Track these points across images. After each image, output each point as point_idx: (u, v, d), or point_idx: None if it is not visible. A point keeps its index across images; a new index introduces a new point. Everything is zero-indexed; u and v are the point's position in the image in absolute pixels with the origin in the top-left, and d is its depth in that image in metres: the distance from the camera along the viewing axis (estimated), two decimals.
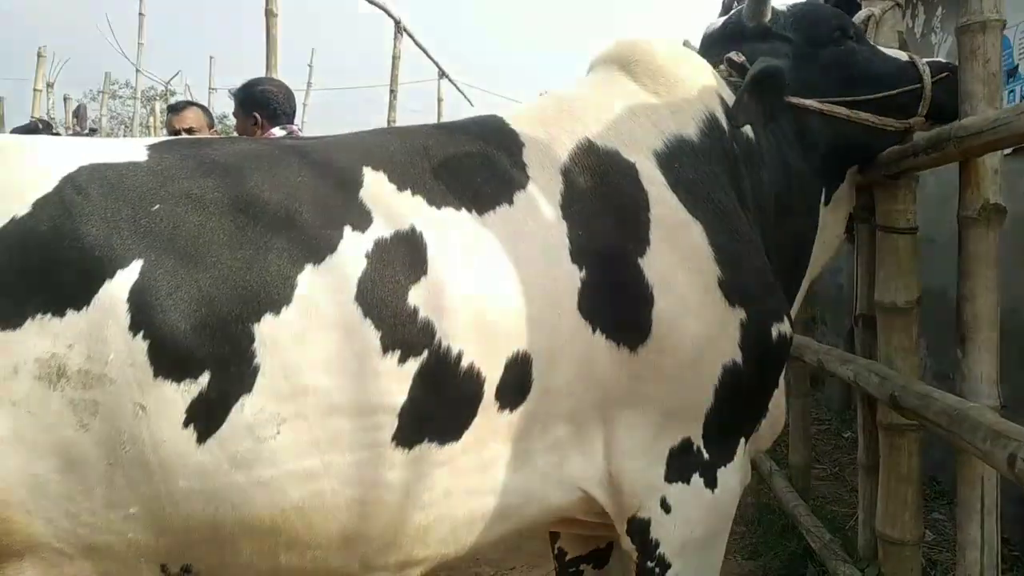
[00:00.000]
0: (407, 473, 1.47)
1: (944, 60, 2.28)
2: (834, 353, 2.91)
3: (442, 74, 15.35)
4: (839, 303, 6.26)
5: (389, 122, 10.62)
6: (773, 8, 2.06)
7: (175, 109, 3.99)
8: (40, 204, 1.35)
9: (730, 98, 1.94)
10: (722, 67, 2.04)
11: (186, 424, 1.34)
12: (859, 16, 2.53)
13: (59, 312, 1.30)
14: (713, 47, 2.16)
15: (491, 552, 3.72)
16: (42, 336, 1.29)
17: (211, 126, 4.34)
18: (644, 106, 1.85)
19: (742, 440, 1.80)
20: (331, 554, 1.48)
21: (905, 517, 2.40)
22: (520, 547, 3.75)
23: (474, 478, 1.55)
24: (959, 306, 1.96)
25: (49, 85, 12.75)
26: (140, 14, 16.67)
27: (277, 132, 3.51)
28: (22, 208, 1.34)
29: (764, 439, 2.00)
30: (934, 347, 4.36)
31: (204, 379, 1.34)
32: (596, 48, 2.09)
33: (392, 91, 11.39)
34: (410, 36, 11.42)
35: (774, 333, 1.76)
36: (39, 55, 9.19)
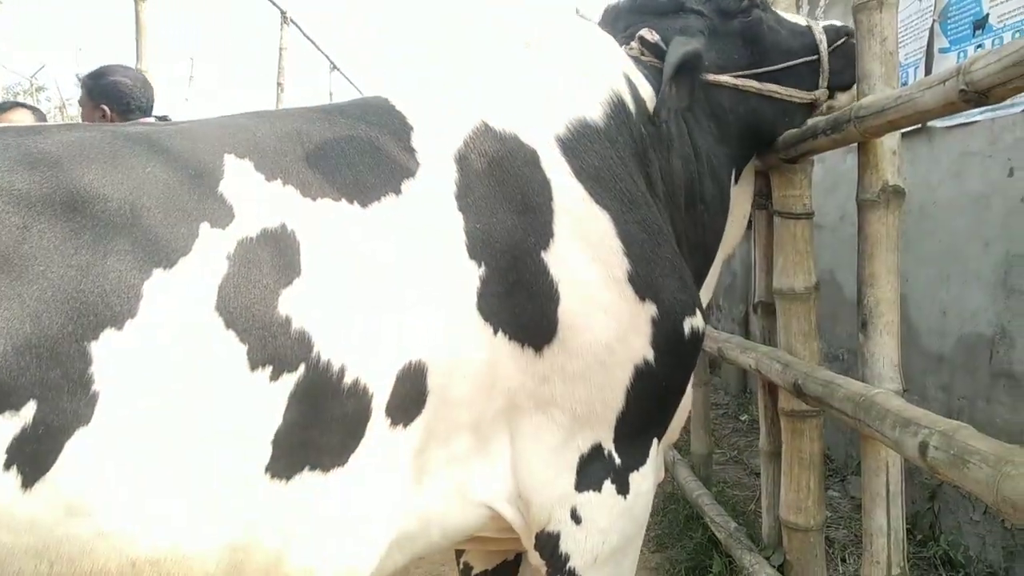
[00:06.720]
0: (285, 509, 1.29)
1: (840, 24, 2.19)
2: (734, 341, 2.90)
3: (333, 67, 14.85)
4: (733, 289, 6.40)
5: None
6: None
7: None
8: None
9: (638, 78, 1.84)
10: (633, 44, 1.93)
11: (8, 466, 1.11)
12: None
13: None
14: (619, 20, 2.04)
15: None
16: None
17: None
18: (546, 87, 1.72)
19: (655, 441, 1.71)
20: None
21: (808, 503, 2.40)
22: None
23: (364, 507, 1.38)
24: (860, 290, 1.93)
25: None
26: None
27: None
28: None
29: (673, 433, 1.93)
30: (824, 330, 4.49)
31: (29, 411, 1.11)
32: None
33: (279, 84, 10.89)
34: (297, 27, 10.94)
35: (687, 328, 1.66)
36: None
